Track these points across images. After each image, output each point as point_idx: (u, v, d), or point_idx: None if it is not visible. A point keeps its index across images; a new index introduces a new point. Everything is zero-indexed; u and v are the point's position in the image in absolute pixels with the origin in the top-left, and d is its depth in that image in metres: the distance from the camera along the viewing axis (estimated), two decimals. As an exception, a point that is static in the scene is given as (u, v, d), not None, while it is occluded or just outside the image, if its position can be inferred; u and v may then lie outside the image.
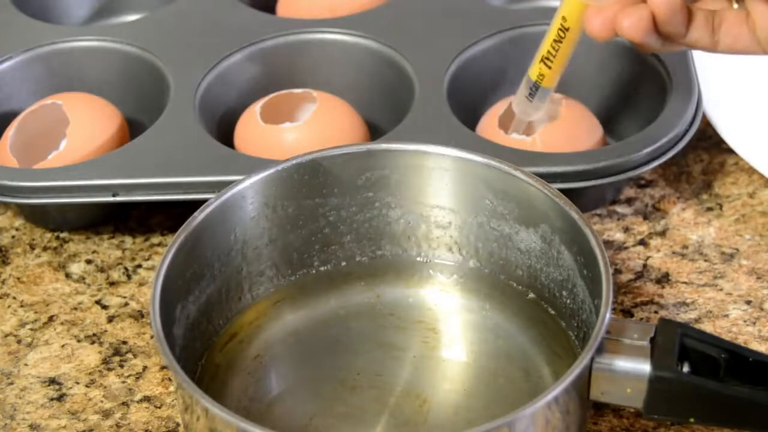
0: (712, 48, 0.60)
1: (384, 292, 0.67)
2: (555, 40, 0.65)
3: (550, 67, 0.67)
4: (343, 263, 0.68)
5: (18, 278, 0.73)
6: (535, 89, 0.68)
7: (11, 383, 0.66)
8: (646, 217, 0.74)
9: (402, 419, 0.61)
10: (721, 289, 0.69)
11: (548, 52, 0.66)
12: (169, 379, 0.66)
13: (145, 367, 0.67)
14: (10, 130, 0.76)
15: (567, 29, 0.64)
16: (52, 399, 0.65)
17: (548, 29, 0.65)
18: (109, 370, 0.67)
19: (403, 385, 0.62)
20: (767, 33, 0.59)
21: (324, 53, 0.81)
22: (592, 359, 0.55)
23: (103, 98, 0.78)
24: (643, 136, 0.71)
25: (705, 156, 0.78)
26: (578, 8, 0.63)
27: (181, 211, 0.67)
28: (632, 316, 0.68)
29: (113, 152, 0.74)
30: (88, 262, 0.74)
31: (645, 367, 0.55)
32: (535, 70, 0.68)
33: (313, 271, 0.68)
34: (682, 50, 0.70)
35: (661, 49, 0.61)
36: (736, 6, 0.60)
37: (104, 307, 0.71)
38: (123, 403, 0.65)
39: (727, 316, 0.67)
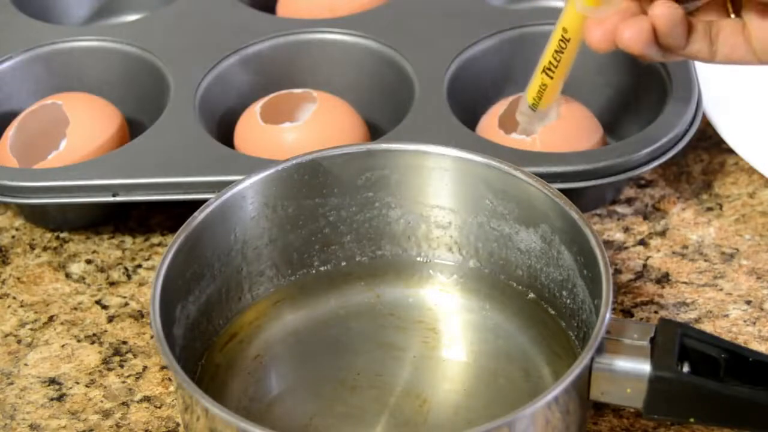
0: (710, 59, 0.60)
1: (384, 292, 0.67)
2: (556, 51, 0.65)
3: (552, 77, 0.67)
4: (343, 263, 0.68)
5: (18, 278, 0.73)
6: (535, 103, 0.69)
7: (11, 383, 0.66)
8: (646, 217, 0.74)
9: (402, 419, 0.61)
10: (721, 289, 0.69)
11: (550, 62, 0.66)
12: (169, 379, 0.66)
13: (145, 367, 0.67)
14: (10, 130, 0.76)
15: (568, 40, 0.65)
16: (52, 399, 0.65)
17: (549, 40, 0.66)
18: (109, 370, 0.67)
19: (403, 385, 0.62)
20: (762, 44, 0.59)
21: (324, 53, 0.81)
22: (592, 359, 0.55)
23: (103, 98, 0.78)
24: (643, 136, 0.71)
25: (705, 156, 0.78)
26: (578, 20, 0.63)
27: (181, 211, 0.67)
28: (632, 316, 0.68)
29: (113, 152, 0.74)
30: (88, 262, 0.74)
31: (645, 367, 0.55)
32: (535, 84, 0.68)
33: (313, 271, 0.68)
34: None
35: (661, 60, 0.61)
36: (733, 16, 0.60)
37: (104, 307, 0.71)
38: (123, 403, 0.65)
39: (727, 316, 0.67)
